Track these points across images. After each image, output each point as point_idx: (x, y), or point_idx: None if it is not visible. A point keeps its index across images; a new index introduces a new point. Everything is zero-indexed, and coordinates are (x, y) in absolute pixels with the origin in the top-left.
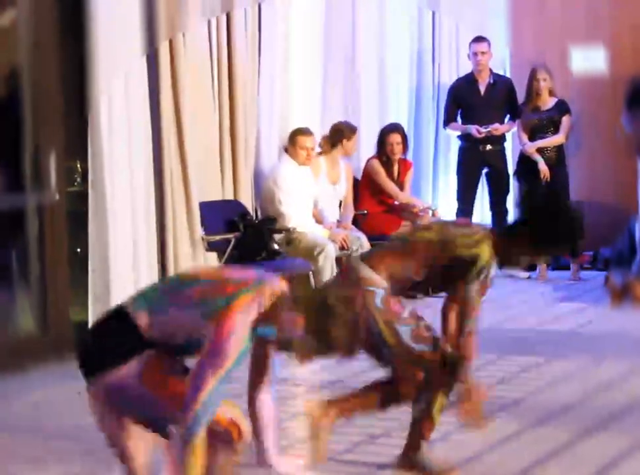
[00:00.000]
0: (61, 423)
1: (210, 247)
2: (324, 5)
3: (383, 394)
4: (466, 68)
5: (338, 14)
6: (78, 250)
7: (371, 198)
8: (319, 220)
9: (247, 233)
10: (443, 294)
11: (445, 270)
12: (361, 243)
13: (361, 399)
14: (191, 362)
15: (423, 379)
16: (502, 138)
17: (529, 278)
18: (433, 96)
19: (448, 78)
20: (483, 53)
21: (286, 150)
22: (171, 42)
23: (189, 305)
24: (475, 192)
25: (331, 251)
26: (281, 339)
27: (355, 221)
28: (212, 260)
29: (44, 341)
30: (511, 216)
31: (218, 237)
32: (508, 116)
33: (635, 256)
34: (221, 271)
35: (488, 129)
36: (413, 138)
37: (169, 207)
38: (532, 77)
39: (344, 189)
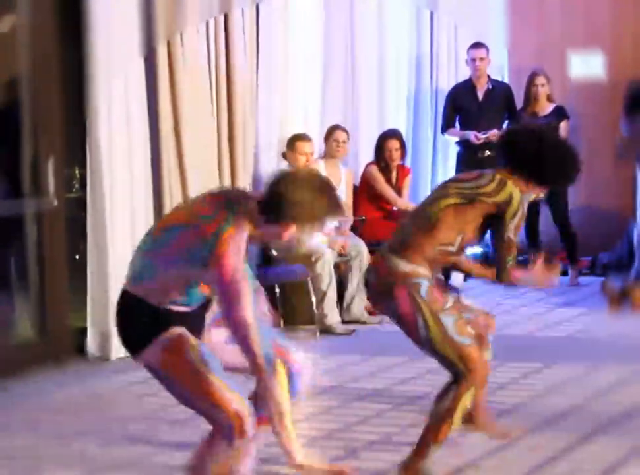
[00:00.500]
0: (60, 429)
1: None
2: (323, 11)
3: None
4: (465, 74)
5: (336, 20)
6: (77, 256)
7: (370, 204)
8: None
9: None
10: None
11: (481, 226)
12: (359, 249)
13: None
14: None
15: (456, 373)
16: None
17: None
18: (431, 102)
19: (447, 84)
20: (481, 59)
21: (285, 156)
22: (169, 47)
23: (174, 260)
24: None
25: (329, 258)
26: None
27: (353, 228)
28: None
29: (43, 346)
30: None
31: None
32: (506, 122)
33: (633, 262)
34: (189, 210)
35: (486, 135)
36: (411, 144)
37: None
38: (530, 83)
39: (344, 195)
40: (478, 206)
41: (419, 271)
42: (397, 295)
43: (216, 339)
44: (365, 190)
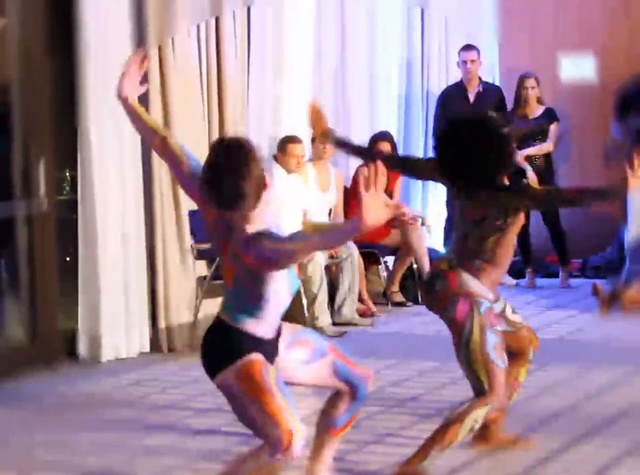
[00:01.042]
0: (52, 431)
1: (200, 255)
2: (314, 13)
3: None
4: (456, 76)
5: (327, 22)
6: (68, 258)
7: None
8: None
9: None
10: None
11: None
12: (350, 251)
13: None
14: None
15: (478, 390)
16: None
17: (517, 285)
18: (422, 104)
19: (438, 86)
20: (472, 61)
21: (275, 158)
22: (160, 50)
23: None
24: None
25: (320, 260)
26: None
27: None
28: (201, 268)
29: (33, 349)
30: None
31: (207, 245)
32: None
33: (624, 265)
34: None
35: None
36: (402, 146)
37: (159, 215)
38: (520, 85)
39: (334, 197)
40: (512, 228)
41: (486, 294)
42: (459, 304)
43: (293, 358)
44: (356, 193)
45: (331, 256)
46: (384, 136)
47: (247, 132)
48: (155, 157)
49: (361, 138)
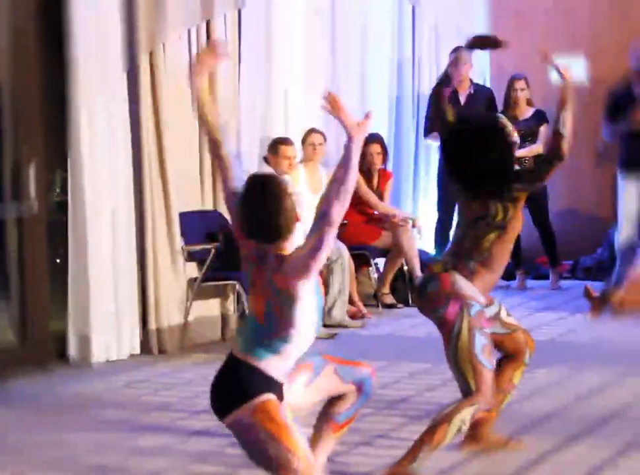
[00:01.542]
0: (44, 433)
1: (190, 257)
2: (305, 15)
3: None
4: None
5: (319, 24)
6: (58, 260)
7: (351, 208)
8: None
9: (227, 243)
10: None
11: None
12: (341, 253)
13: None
14: None
15: (466, 391)
16: None
17: (508, 287)
18: (413, 106)
19: (428, 88)
20: (461, 63)
21: (266, 160)
22: (151, 53)
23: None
24: (455, 203)
25: None
26: None
27: None
28: (191, 270)
29: (24, 351)
30: None
31: (197, 248)
32: None
33: (615, 266)
34: None
35: None
36: (393, 148)
37: (149, 217)
38: (510, 87)
39: None
40: (512, 225)
41: (478, 297)
42: (450, 306)
43: (295, 386)
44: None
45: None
46: (374, 138)
47: (238, 133)
48: (146, 158)
49: None
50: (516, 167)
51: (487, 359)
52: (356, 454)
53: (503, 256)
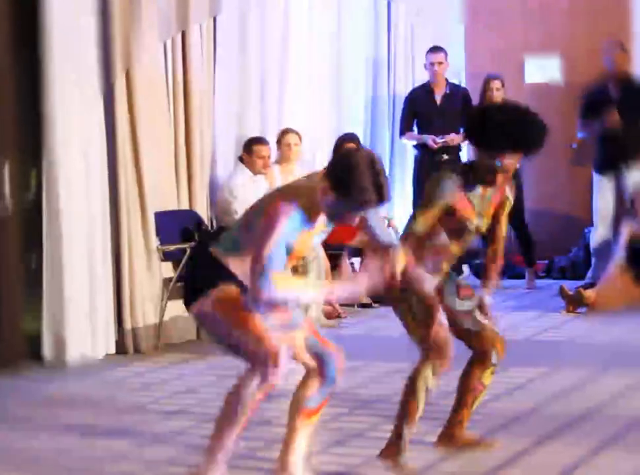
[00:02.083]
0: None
1: (166, 257)
2: (281, 17)
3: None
4: (422, 78)
5: (294, 26)
6: (33, 260)
7: None
8: None
9: (202, 242)
10: None
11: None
12: (317, 252)
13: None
14: None
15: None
16: (458, 148)
17: None
18: (388, 106)
19: (404, 88)
20: (439, 63)
21: (241, 159)
22: (126, 54)
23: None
24: None
25: None
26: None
27: None
28: (167, 269)
29: None
30: None
31: (173, 247)
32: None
33: (590, 266)
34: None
35: (444, 139)
36: (369, 148)
37: (124, 217)
38: (485, 87)
39: None
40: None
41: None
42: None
43: (270, 321)
44: None
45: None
46: (350, 137)
47: (214, 133)
48: (121, 158)
49: (328, 139)
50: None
51: (431, 317)
52: (332, 453)
53: (443, 236)
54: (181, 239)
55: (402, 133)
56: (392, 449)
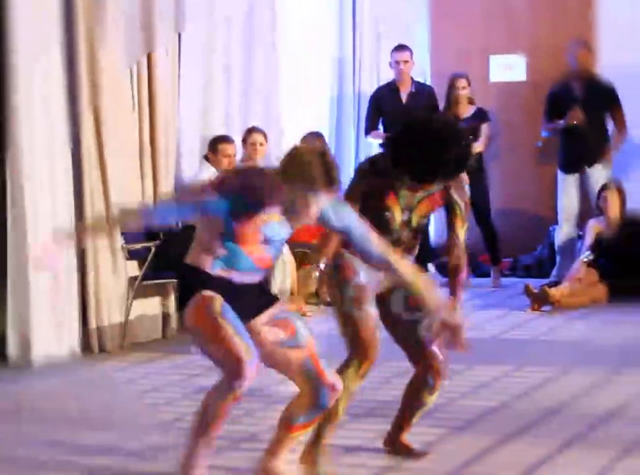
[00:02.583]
0: None
1: (131, 255)
2: (246, 15)
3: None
4: (387, 76)
5: (259, 23)
6: None
7: None
8: None
9: (168, 241)
10: None
11: None
12: (282, 250)
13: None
14: None
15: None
16: None
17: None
18: (354, 104)
19: (369, 87)
20: (405, 61)
21: (207, 158)
22: (91, 52)
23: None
24: None
25: None
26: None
27: None
28: (132, 268)
29: None
30: (431, 225)
31: (138, 246)
32: None
33: (554, 264)
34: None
35: None
36: (334, 146)
37: (89, 215)
38: (451, 85)
39: None
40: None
41: (359, 272)
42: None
43: (270, 339)
44: None
45: None
46: (315, 135)
47: (178, 132)
48: (86, 157)
49: (293, 137)
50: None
51: (357, 308)
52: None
53: None
54: (146, 238)
55: (367, 132)
56: (311, 453)
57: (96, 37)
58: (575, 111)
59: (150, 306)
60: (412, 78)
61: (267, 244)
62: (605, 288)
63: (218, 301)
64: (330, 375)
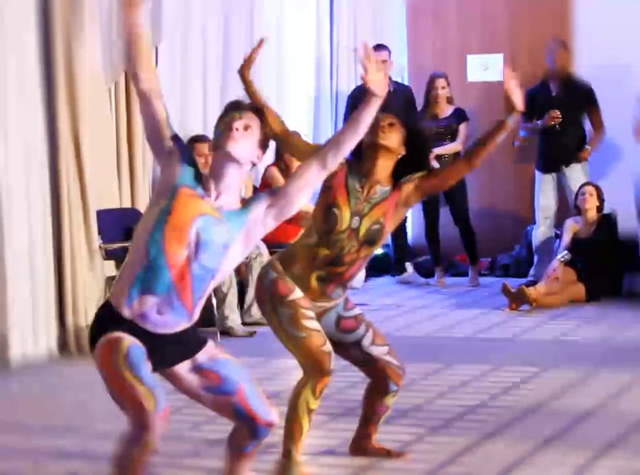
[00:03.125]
0: None
1: (108, 255)
2: (223, 14)
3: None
4: None
5: (236, 21)
6: None
7: None
8: None
9: None
10: None
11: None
12: (260, 251)
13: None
14: None
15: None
16: None
17: (427, 284)
18: (331, 103)
19: (347, 86)
20: (383, 61)
21: None
22: (69, 49)
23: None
24: None
25: None
26: None
27: None
28: (110, 268)
29: None
30: (409, 224)
31: (115, 246)
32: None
33: (532, 263)
34: None
35: None
36: None
37: (66, 215)
38: (430, 85)
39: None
40: None
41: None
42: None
43: (195, 384)
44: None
45: None
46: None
47: None
48: (63, 156)
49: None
50: (437, 164)
51: (296, 328)
52: (275, 452)
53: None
54: (124, 238)
55: None
56: (282, 469)
57: (72, 40)
58: (554, 112)
59: None
60: (390, 77)
61: (197, 251)
62: (583, 287)
63: (126, 343)
64: (263, 413)
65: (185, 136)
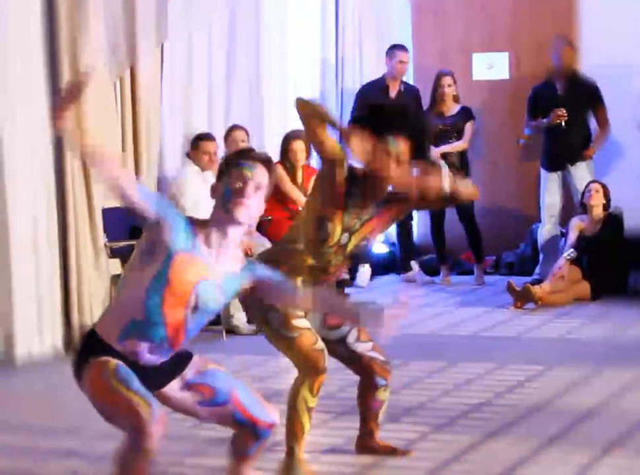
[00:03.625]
0: None
1: (113, 253)
2: (229, 13)
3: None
4: (369, 74)
5: (242, 21)
6: None
7: (275, 204)
8: None
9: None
10: None
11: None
12: (265, 248)
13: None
14: None
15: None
16: None
17: (432, 282)
18: (337, 102)
19: (352, 85)
20: (406, 62)
21: (188, 156)
22: (74, 45)
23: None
24: None
25: None
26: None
27: (259, 227)
28: (115, 267)
29: None
30: (415, 223)
31: (121, 244)
32: None
33: (537, 261)
34: None
35: None
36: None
37: (71, 213)
38: (437, 83)
39: None
40: None
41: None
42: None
43: (188, 400)
44: (270, 190)
45: (246, 255)
46: (298, 134)
47: (161, 129)
48: (67, 153)
49: (275, 136)
50: (443, 162)
51: (288, 329)
52: (279, 450)
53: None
54: (129, 236)
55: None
56: (286, 468)
57: (77, 36)
58: (560, 111)
59: None
60: (401, 80)
61: (195, 310)
62: (588, 285)
63: (113, 363)
64: (263, 416)
65: (191, 135)
